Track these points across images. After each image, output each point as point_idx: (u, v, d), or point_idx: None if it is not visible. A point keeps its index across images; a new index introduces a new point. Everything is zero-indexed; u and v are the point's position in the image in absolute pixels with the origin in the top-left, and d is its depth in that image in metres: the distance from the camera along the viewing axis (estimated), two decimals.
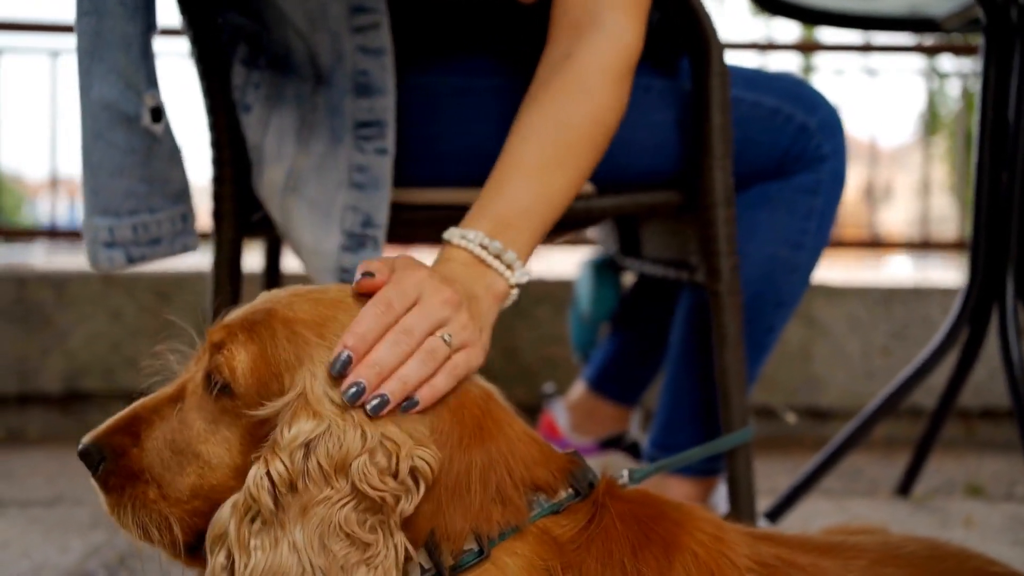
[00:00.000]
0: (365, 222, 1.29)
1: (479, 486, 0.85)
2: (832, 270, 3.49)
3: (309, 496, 0.79)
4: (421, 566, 0.83)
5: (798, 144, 1.39)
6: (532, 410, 2.16)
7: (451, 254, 1.02)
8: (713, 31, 1.29)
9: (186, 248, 1.30)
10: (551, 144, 1.10)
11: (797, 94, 1.40)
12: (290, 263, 2.28)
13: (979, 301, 1.89)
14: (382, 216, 1.29)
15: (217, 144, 1.37)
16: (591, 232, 2.23)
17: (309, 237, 1.31)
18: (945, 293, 2.74)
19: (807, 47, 6.12)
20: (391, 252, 1.33)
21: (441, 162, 1.38)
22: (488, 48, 1.39)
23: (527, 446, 0.89)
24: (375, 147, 1.29)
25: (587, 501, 0.88)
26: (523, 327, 2.64)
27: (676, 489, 1.52)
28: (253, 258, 1.91)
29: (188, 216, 1.29)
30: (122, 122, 1.18)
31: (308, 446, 0.79)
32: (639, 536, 0.85)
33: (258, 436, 0.84)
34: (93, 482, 0.89)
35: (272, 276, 1.88)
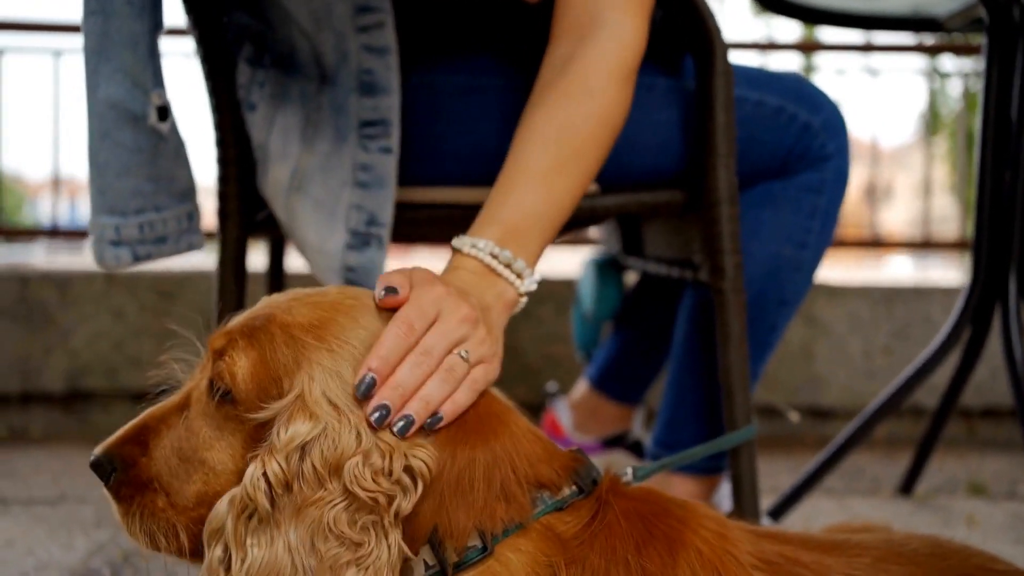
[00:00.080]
0: (370, 221, 1.30)
1: (483, 483, 0.85)
2: (833, 270, 3.50)
3: (303, 497, 0.80)
4: (425, 563, 0.84)
5: (802, 143, 1.40)
6: (535, 409, 2.16)
7: (461, 262, 1.03)
8: (717, 30, 1.30)
9: (192, 247, 1.30)
10: (557, 148, 1.11)
11: (801, 93, 1.41)
12: (294, 263, 2.28)
13: (981, 300, 1.89)
14: (387, 215, 1.30)
15: (222, 143, 1.38)
16: (593, 231, 2.23)
17: (314, 236, 1.32)
18: (946, 293, 2.75)
19: (808, 47, 6.13)
20: (395, 251, 1.34)
21: (445, 161, 1.39)
22: (492, 47, 1.40)
23: (531, 444, 0.90)
24: (379, 146, 1.30)
25: (590, 498, 0.88)
26: (526, 326, 2.65)
27: (679, 487, 1.52)
28: (257, 257, 1.91)
29: (194, 215, 1.30)
30: (129, 121, 1.18)
31: (304, 448, 0.80)
32: (643, 533, 0.86)
33: (260, 441, 0.84)
34: (105, 492, 0.90)
35: (276, 275, 1.88)
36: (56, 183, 3.64)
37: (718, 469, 1.54)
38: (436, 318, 0.89)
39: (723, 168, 1.32)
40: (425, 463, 0.82)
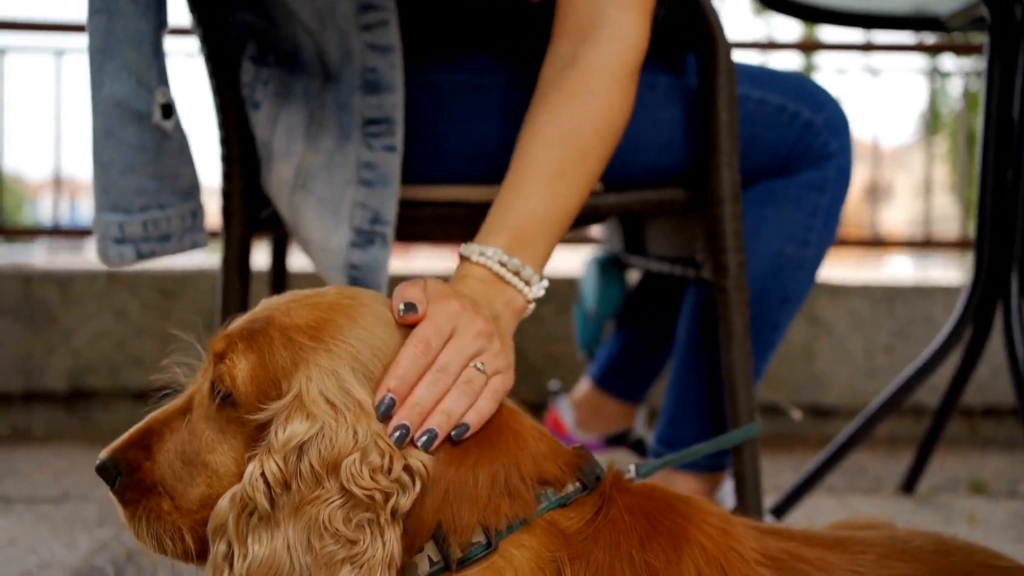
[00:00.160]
0: (374, 219, 1.30)
1: (487, 480, 0.86)
2: (833, 270, 3.50)
3: (301, 496, 0.80)
4: (430, 558, 0.84)
5: (804, 141, 1.40)
6: (537, 407, 2.17)
7: (470, 271, 1.04)
8: (720, 28, 1.30)
9: (195, 244, 1.30)
10: (562, 150, 1.11)
11: (803, 91, 1.41)
12: (297, 262, 2.28)
13: (983, 299, 1.89)
14: (390, 213, 1.30)
15: (226, 141, 1.38)
16: (595, 230, 2.24)
17: (318, 234, 1.32)
18: (947, 292, 2.75)
19: (808, 46, 6.13)
20: (397, 249, 1.34)
21: (448, 159, 1.39)
22: (495, 46, 1.40)
23: (535, 441, 0.91)
24: (383, 144, 1.30)
25: (594, 494, 0.89)
26: (528, 325, 2.65)
27: (682, 484, 1.52)
28: (260, 257, 1.91)
29: (198, 213, 1.30)
30: (133, 119, 1.18)
31: (301, 447, 0.80)
32: (647, 528, 0.86)
33: (261, 443, 0.85)
34: (111, 496, 0.91)
35: (279, 274, 1.88)
36: (58, 182, 3.64)
37: (721, 467, 1.55)
38: (452, 334, 0.90)
39: (726, 166, 1.32)
40: (423, 463, 0.83)
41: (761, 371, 1.50)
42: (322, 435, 0.81)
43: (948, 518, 1.92)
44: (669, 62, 1.40)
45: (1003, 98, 1.82)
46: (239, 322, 0.90)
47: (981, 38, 1.85)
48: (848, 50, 3.85)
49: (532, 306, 1.06)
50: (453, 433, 0.86)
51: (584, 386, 1.98)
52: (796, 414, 2.50)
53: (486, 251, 1.04)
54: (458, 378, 0.88)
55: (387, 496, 0.80)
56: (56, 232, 3.61)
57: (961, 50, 3.69)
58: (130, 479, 0.89)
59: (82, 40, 3.47)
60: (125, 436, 0.91)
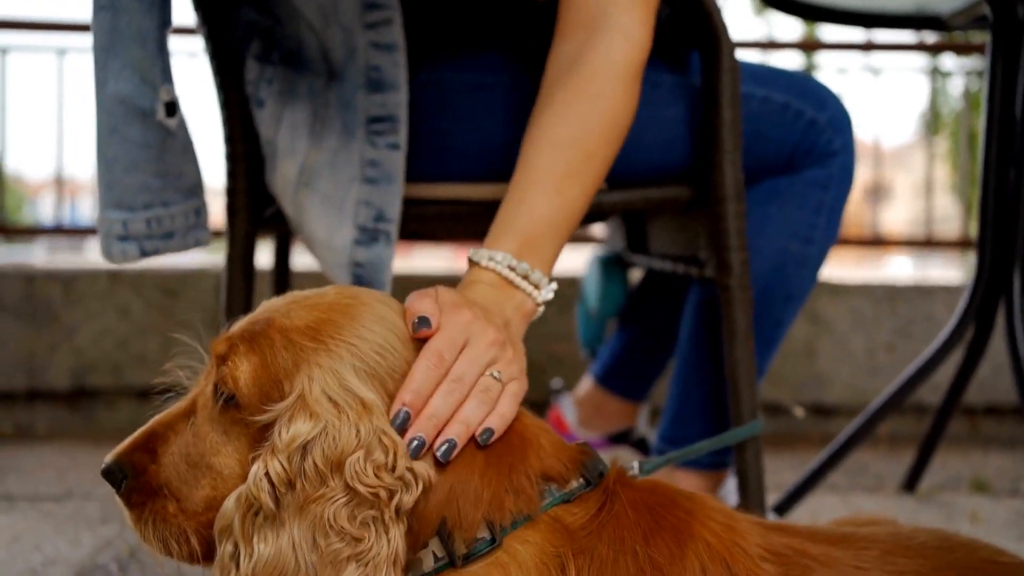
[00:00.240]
0: (378, 216, 1.30)
1: (492, 476, 0.86)
2: (833, 269, 3.50)
3: (306, 495, 0.81)
4: (434, 554, 0.85)
5: (808, 139, 1.40)
6: (540, 406, 2.17)
7: (479, 276, 1.05)
8: (723, 26, 1.30)
9: (199, 242, 1.31)
10: (568, 152, 1.11)
11: (806, 90, 1.41)
12: (300, 261, 2.29)
13: (985, 297, 1.89)
14: (394, 211, 1.30)
15: (230, 139, 1.38)
16: (598, 229, 2.24)
17: (322, 232, 1.32)
18: (949, 291, 2.75)
19: (809, 45, 6.14)
20: (398, 248, 1.34)
21: (452, 157, 1.39)
22: (499, 44, 1.40)
23: (538, 438, 0.91)
24: (387, 142, 1.30)
25: (598, 490, 0.89)
26: (530, 324, 2.65)
27: (685, 482, 1.52)
28: (263, 256, 1.92)
29: (201, 210, 1.30)
30: (137, 117, 1.18)
31: (305, 447, 0.81)
32: (651, 524, 0.86)
33: (264, 444, 0.85)
34: (118, 499, 0.91)
35: (282, 273, 1.89)
36: (59, 181, 3.65)
37: (723, 464, 1.55)
38: (465, 344, 0.90)
39: (729, 164, 1.33)
40: (427, 464, 0.84)
41: (764, 369, 1.50)
42: (325, 434, 0.81)
43: (950, 516, 1.92)
44: (673, 60, 1.40)
45: (1005, 97, 1.83)
46: (240, 324, 0.91)
47: (982, 37, 1.85)
48: (849, 49, 3.85)
49: (541, 309, 1.07)
50: (480, 439, 0.87)
51: (586, 384, 1.98)
52: (799, 412, 2.50)
53: (495, 255, 1.05)
54: (473, 387, 0.89)
55: (391, 493, 0.80)
56: (58, 231, 3.62)
57: (962, 49, 3.69)
58: (136, 482, 0.90)
59: (84, 39, 3.49)
60: (130, 440, 0.92)
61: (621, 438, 1.94)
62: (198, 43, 3.84)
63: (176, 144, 1.24)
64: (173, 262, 2.76)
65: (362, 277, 1.31)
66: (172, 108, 1.22)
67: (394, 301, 0.94)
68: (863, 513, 1.08)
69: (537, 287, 1.06)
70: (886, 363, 2.72)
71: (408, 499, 0.81)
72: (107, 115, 1.18)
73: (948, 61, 5.17)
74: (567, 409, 1.97)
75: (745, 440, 1.35)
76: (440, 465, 0.85)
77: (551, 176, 1.10)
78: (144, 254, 1.24)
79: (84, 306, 2.65)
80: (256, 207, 1.41)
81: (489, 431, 0.87)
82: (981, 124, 1.88)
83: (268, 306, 0.92)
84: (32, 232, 4.27)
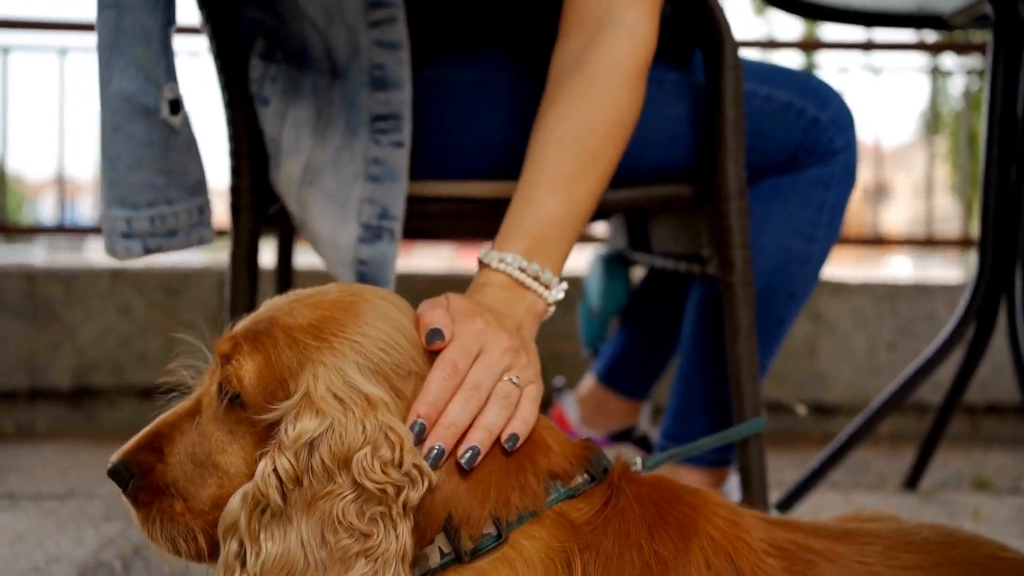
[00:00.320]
0: (382, 214, 1.30)
1: (498, 472, 0.87)
2: (834, 269, 3.50)
3: (314, 491, 0.81)
4: (440, 550, 0.85)
5: (810, 138, 1.40)
6: (542, 404, 2.16)
7: (490, 278, 1.05)
8: (726, 25, 1.31)
9: (202, 240, 1.31)
10: (576, 151, 1.12)
11: (809, 88, 1.41)
12: (302, 259, 2.29)
13: (987, 295, 1.90)
14: (398, 208, 1.31)
15: (235, 137, 1.38)
16: (600, 228, 2.24)
17: (326, 229, 1.32)
18: (950, 290, 2.76)
19: (809, 45, 6.14)
20: (402, 247, 1.34)
21: (456, 155, 1.39)
22: (502, 42, 1.40)
23: (542, 435, 0.92)
24: (391, 140, 1.30)
25: (603, 485, 0.89)
26: None
27: (687, 479, 1.53)
28: (266, 255, 1.92)
29: (205, 208, 1.30)
30: (141, 115, 1.19)
31: (312, 444, 0.81)
32: (655, 518, 0.87)
33: (270, 442, 0.85)
34: (124, 499, 0.91)
35: (285, 272, 1.89)
36: (61, 180, 3.65)
37: (726, 462, 1.55)
38: (480, 352, 0.91)
39: (732, 162, 1.33)
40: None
41: (766, 367, 1.51)
42: (332, 430, 0.81)
43: (952, 514, 1.92)
44: (676, 59, 1.40)
45: (1007, 95, 1.83)
46: (243, 324, 0.91)
47: (982, 36, 1.85)
48: (849, 49, 3.86)
49: (552, 309, 1.08)
50: (507, 445, 0.87)
51: (589, 383, 1.98)
52: (801, 409, 2.50)
53: (505, 257, 1.05)
54: (491, 394, 0.89)
55: (399, 489, 0.81)
56: (60, 231, 3.62)
57: (962, 49, 3.69)
58: (142, 481, 0.90)
59: (86, 39, 3.49)
60: (135, 439, 0.92)
61: (623, 436, 1.94)
62: (200, 42, 3.85)
63: (180, 142, 1.24)
64: (175, 261, 2.77)
65: (366, 274, 1.31)
66: (176, 106, 1.22)
67: (397, 297, 0.94)
68: (865, 510, 1.09)
69: (548, 287, 1.06)
70: (887, 362, 2.72)
71: (415, 495, 0.81)
72: (111, 113, 1.19)
73: (948, 60, 5.17)
74: (569, 407, 1.97)
75: (748, 437, 1.35)
76: (464, 472, 0.85)
77: (559, 175, 1.10)
78: (148, 251, 1.24)
79: (85, 305, 2.65)
80: (260, 205, 1.41)
81: (515, 437, 0.88)
82: (982, 123, 1.88)
83: (271, 305, 0.92)
84: (34, 231, 4.27)
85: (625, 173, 1.37)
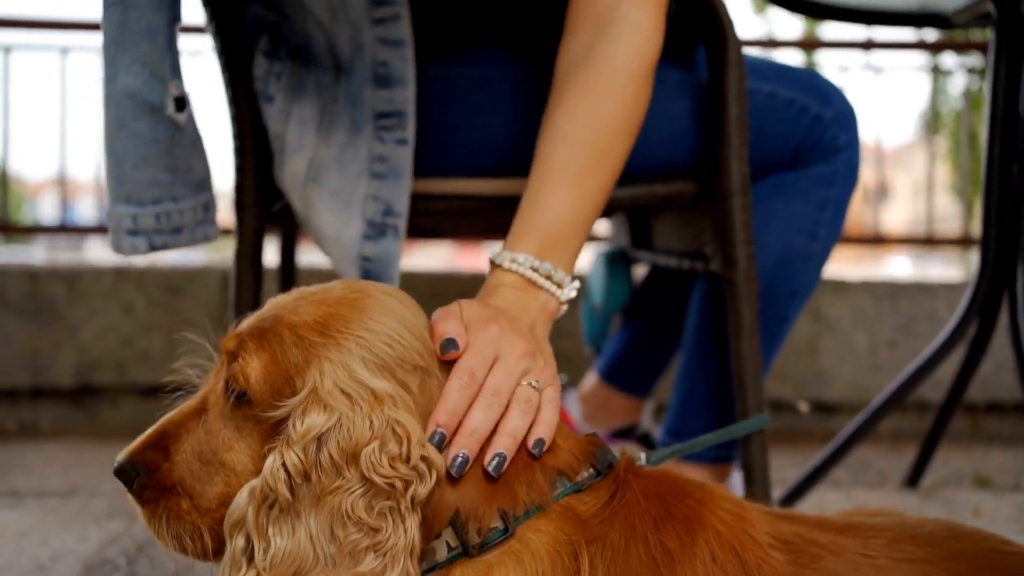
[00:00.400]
0: (386, 211, 1.31)
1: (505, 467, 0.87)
2: (834, 268, 3.51)
3: (322, 486, 0.81)
4: (448, 544, 0.85)
5: (813, 135, 1.41)
6: None
7: (502, 279, 1.05)
8: (730, 22, 1.31)
9: (207, 237, 1.31)
10: (585, 150, 1.12)
11: (812, 85, 1.42)
12: (305, 258, 2.29)
13: (988, 293, 1.90)
14: (402, 205, 1.31)
15: (239, 135, 1.39)
16: (602, 226, 2.25)
17: (330, 226, 1.33)
18: (951, 288, 2.76)
19: (810, 44, 6.14)
20: (405, 245, 1.35)
21: (460, 153, 1.40)
22: (506, 39, 1.41)
23: None
24: (395, 137, 1.31)
25: (608, 479, 0.90)
26: None
27: (690, 476, 1.53)
28: (268, 254, 1.93)
29: (210, 205, 1.31)
30: (146, 111, 1.19)
31: (320, 439, 0.81)
32: (661, 512, 0.87)
33: (277, 439, 0.86)
34: (130, 497, 0.92)
35: (287, 271, 1.89)
36: (63, 180, 3.65)
37: (729, 458, 1.56)
38: (496, 358, 0.91)
39: (736, 159, 1.33)
40: (440, 454, 0.84)
41: (769, 364, 1.51)
42: (340, 425, 0.81)
43: (953, 512, 1.93)
44: (679, 56, 1.41)
45: (1008, 93, 1.84)
46: (248, 322, 0.91)
47: (983, 35, 1.86)
48: (849, 48, 3.86)
49: (565, 307, 1.08)
50: (534, 451, 0.87)
51: (591, 380, 1.99)
52: (803, 406, 2.51)
53: (517, 257, 1.05)
54: (511, 399, 0.90)
55: (407, 484, 0.81)
56: (62, 230, 3.62)
57: (962, 48, 3.70)
58: (148, 480, 0.90)
59: (87, 38, 3.48)
60: (141, 438, 0.92)
61: (625, 434, 1.95)
62: (201, 41, 3.85)
63: (185, 139, 1.25)
64: (178, 260, 2.77)
65: (371, 271, 1.31)
66: (181, 103, 1.23)
67: (402, 293, 0.94)
68: (868, 506, 1.09)
69: (560, 286, 1.06)
70: (888, 360, 2.72)
71: (423, 490, 0.82)
72: (117, 110, 1.19)
73: (948, 60, 5.18)
74: (572, 405, 1.97)
75: (751, 434, 1.36)
76: (491, 479, 0.85)
77: (568, 174, 1.11)
78: (153, 248, 1.25)
79: (88, 303, 2.66)
80: (264, 202, 1.41)
81: (541, 441, 0.88)
82: (984, 121, 1.89)
83: (275, 303, 0.92)
84: (37, 231, 4.27)
85: (628, 171, 1.37)
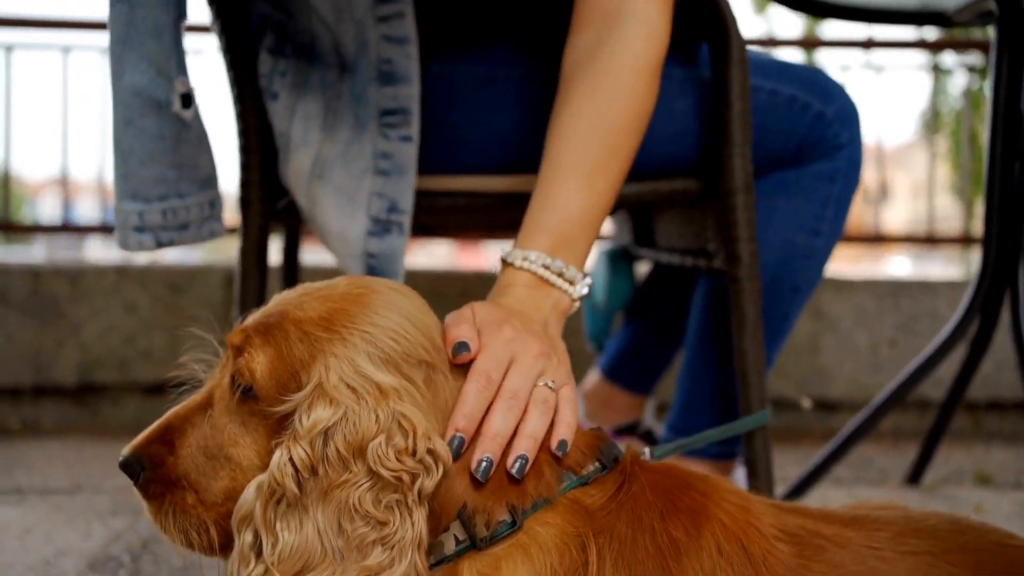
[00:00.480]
0: (390, 208, 1.31)
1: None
2: (834, 267, 3.52)
3: (329, 480, 0.81)
4: (456, 537, 0.86)
5: (815, 132, 1.41)
6: None
7: (514, 277, 1.05)
8: (733, 19, 1.31)
9: (213, 234, 1.32)
10: (595, 147, 1.12)
11: (814, 83, 1.42)
12: (308, 257, 2.30)
13: (990, 291, 1.91)
14: (407, 202, 1.32)
15: (244, 132, 1.39)
16: (604, 224, 2.25)
17: (335, 223, 1.33)
18: (952, 286, 2.77)
19: (810, 43, 6.15)
20: (409, 242, 1.35)
21: (464, 150, 1.40)
22: (510, 37, 1.41)
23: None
24: (399, 134, 1.31)
25: (615, 472, 0.90)
26: None
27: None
28: (272, 253, 1.93)
29: (216, 202, 1.31)
30: (153, 108, 1.20)
31: (327, 432, 0.82)
32: (667, 504, 0.88)
33: (283, 434, 0.86)
34: (136, 491, 0.92)
35: (290, 269, 1.90)
36: (65, 179, 3.65)
37: (731, 455, 1.56)
38: (512, 361, 0.91)
39: (739, 156, 1.34)
40: (446, 447, 0.84)
41: (772, 360, 1.52)
42: (346, 419, 0.82)
43: (954, 509, 1.93)
44: (682, 53, 1.41)
45: (1010, 91, 1.84)
46: (254, 317, 0.92)
47: (983, 34, 1.86)
48: (849, 47, 3.86)
49: (577, 304, 1.08)
50: (558, 452, 0.88)
51: (593, 378, 1.99)
52: (806, 402, 2.51)
53: (529, 255, 1.05)
54: (529, 401, 0.90)
55: (414, 477, 0.81)
56: (65, 229, 3.62)
57: (962, 46, 3.70)
58: (154, 474, 0.90)
59: (89, 37, 3.48)
60: (147, 432, 0.93)
61: (628, 431, 1.95)
62: (203, 40, 3.85)
63: (191, 136, 1.25)
64: (180, 258, 2.77)
65: (375, 268, 1.32)
66: (187, 100, 1.23)
67: (406, 288, 0.95)
68: (872, 501, 1.09)
69: (572, 283, 1.06)
70: (889, 359, 2.73)
71: (430, 483, 0.82)
72: (123, 107, 1.20)
73: (949, 59, 5.18)
74: None
75: (754, 429, 1.36)
76: (515, 481, 0.86)
77: (578, 171, 1.11)
78: (160, 245, 1.25)
79: (90, 302, 2.66)
80: (269, 199, 1.42)
81: (564, 443, 0.89)
82: (986, 119, 1.89)
83: (281, 299, 0.93)
84: (39, 230, 4.27)
85: (632, 168, 1.37)
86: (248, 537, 0.84)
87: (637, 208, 1.82)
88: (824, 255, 1.48)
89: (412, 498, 0.82)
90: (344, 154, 1.33)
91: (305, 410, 0.83)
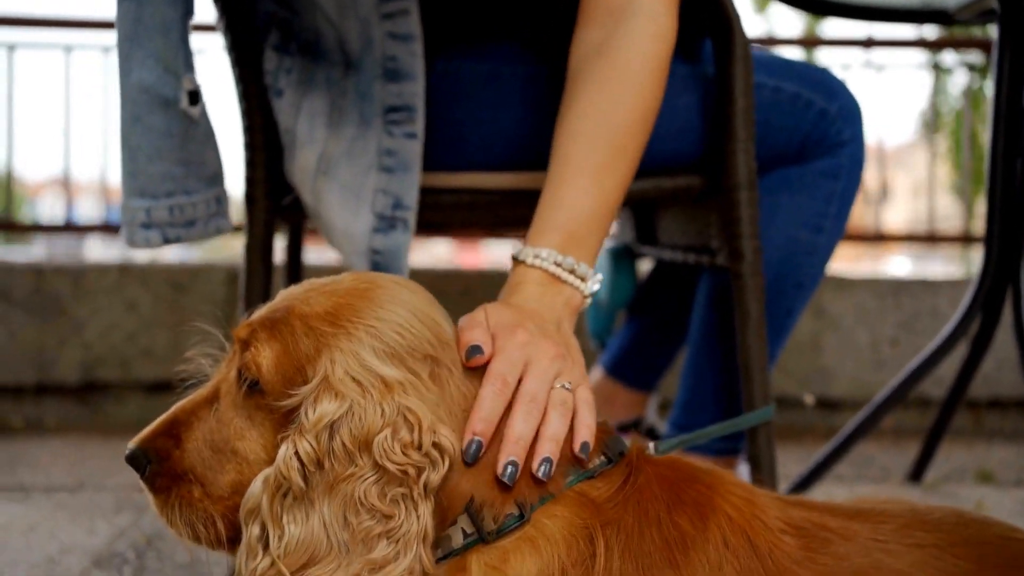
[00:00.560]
0: (395, 204, 1.32)
1: None
2: (835, 267, 3.52)
3: (335, 474, 0.82)
4: (463, 531, 0.86)
5: (818, 129, 1.42)
6: None
7: (526, 275, 1.06)
8: (737, 16, 1.32)
9: (220, 230, 1.32)
10: (603, 145, 1.12)
11: (817, 80, 1.43)
12: (312, 255, 2.30)
13: (992, 289, 1.91)
14: (412, 199, 1.32)
15: (250, 129, 1.40)
16: None
17: (340, 219, 1.34)
18: (953, 285, 2.77)
19: (810, 42, 6.15)
20: (414, 240, 1.36)
21: (469, 147, 1.40)
22: (515, 35, 1.42)
23: None
24: (404, 131, 1.32)
25: (621, 465, 0.91)
26: None
27: None
28: (276, 252, 1.93)
29: (222, 199, 1.32)
30: (160, 105, 1.20)
31: (332, 426, 0.82)
32: (673, 497, 0.88)
33: (289, 428, 0.86)
34: (142, 484, 0.92)
35: (294, 267, 1.90)
36: (67, 178, 3.66)
37: (735, 451, 1.56)
38: (527, 363, 0.92)
39: (742, 152, 1.34)
40: (451, 441, 0.85)
41: (775, 356, 1.52)
42: (351, 413, 0.82)
43: (956, 505, 1.93)
44: (686, 50, 1.41)
45: (1012, 89, 1.84)
46: (260, 312, 0.92)
47: (983, 33, 1.87)
48: (850, 46, 3.86)
49: (589, 300, 1.09)
50: (581, 454, 0.89)
51: (596, 375, 1.99)
52: (809, 399, 2.52)
53: (540, 253, 1.06)
54: (548, 403, 0.91)
55: (420, 470, 0.82)
56: (67, 229, 3.62)
57: (963, 45, 3.70)
58: (160, 467, 0.91)
59: (91, 36, 3.49)
60: (153, 426, 0.93)
61: (630, 428, 1.96)
62: (205, 39, 3.85)
63: (198, 132, 1.26)
64: (182, 256, 2.78)
65: (380, 264, 1.32)
66: (195, 97, 1.24)
67: (412, 283, 0.95)
68: (874, 497, 1.10)
69: (584, 279, 1.07)
70: (890, 357, 2.73)
71: (436, 477, 0.83)
72: (131, 104, 1.20)
73: (949, 58, 5.19)
74: None
75: (757, 426, 1.37)
76: (539, 483, 0.86)
77: (588, 168, 1.11)
78: (167, 241, 1.25)
79: (92, 300, 2.67)
80: (275, 196, 1.42)
81: (586, 445, 0.89)
82: (987, 117, 1.90)
83: (286, 294, 0.93)
84: (41, 229, 4.27)
85: None
86: (256, 530, 0.84)
87: (640, 205, 1.82)
88: (827, 251, 1.49)
89: (418, 492, 0.82)
90: (349, 151, 1.33)
91: (311, 404, 0.84)
